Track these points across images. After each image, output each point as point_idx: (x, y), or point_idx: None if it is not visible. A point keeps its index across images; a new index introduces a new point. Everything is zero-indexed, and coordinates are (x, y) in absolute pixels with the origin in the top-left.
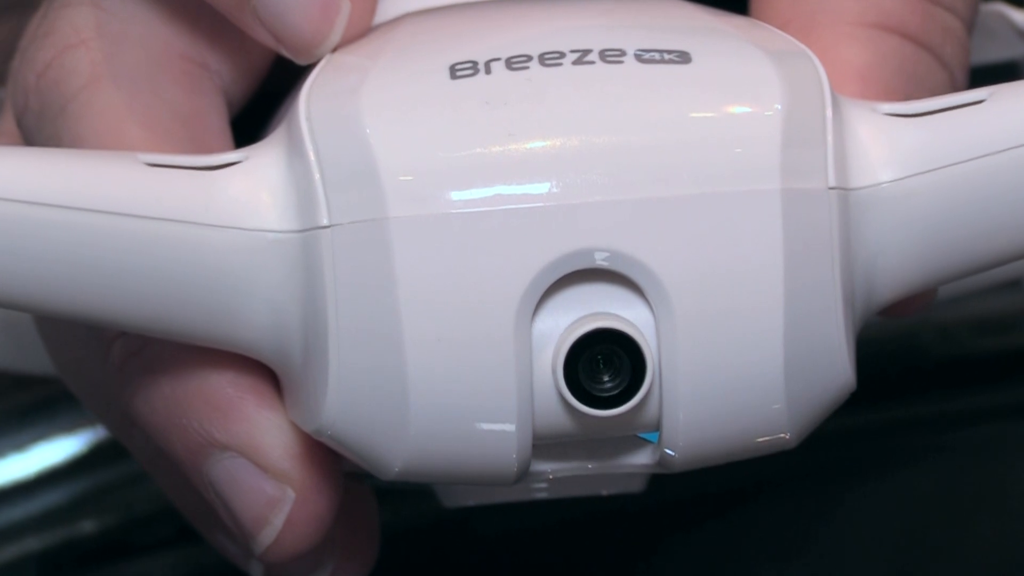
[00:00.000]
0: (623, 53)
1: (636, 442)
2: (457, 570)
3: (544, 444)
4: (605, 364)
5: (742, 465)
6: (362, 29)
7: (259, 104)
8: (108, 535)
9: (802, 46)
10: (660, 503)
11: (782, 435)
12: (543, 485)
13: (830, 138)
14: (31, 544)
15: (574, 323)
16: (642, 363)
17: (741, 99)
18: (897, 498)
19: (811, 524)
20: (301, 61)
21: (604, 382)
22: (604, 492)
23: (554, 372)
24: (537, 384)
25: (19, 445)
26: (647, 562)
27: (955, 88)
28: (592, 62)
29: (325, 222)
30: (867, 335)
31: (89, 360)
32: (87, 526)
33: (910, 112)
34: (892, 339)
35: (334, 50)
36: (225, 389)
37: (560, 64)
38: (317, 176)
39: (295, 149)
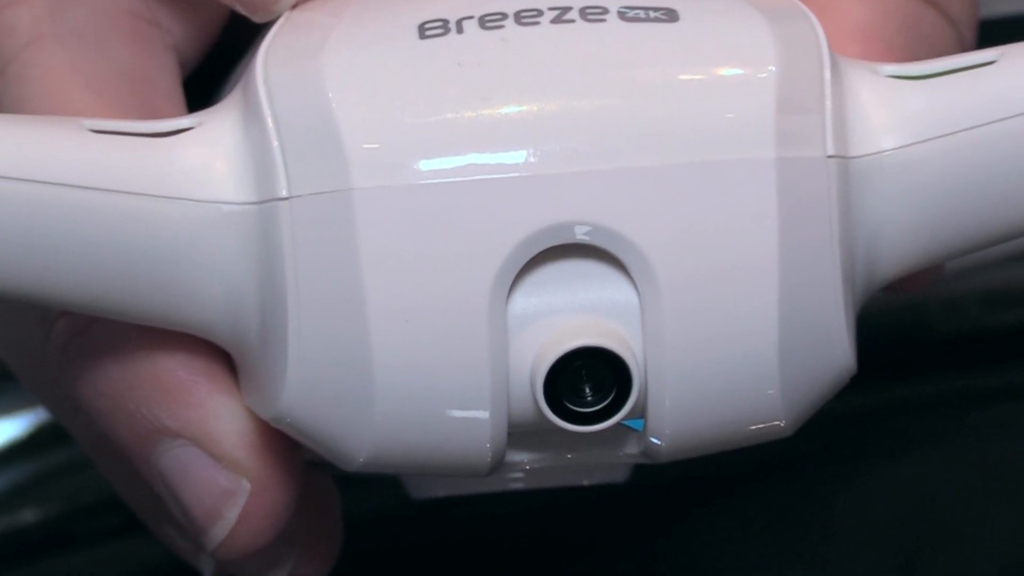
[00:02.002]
0: (605, 11)
1: (619, 430)
2: (429, 562)
3: (520, 432)
4: (588, 376)
5: (739, 449)
6: None
7: (214, 64)
8: (50, 525)
9: (798, 3)
10: (652, 486)
11: (777, 423)
12: (519, 475)
13: (828, 102)
14: None
15: (556, 335)
16: (628, 379)
17: (732, 60)
18: (903, 482)
19: (813, 509)
20: (258, 19)
21: (586, 396)
22: (584, 482)
23: (532, 386)
24: (513, 369)
25: None
26: (646, 549)
27: (963, 47)
28: (572, 20)
29: (284, 193)
30: (868, 310)
31: (30, 338)
32: (28, 515)
33: (915, 74)
34: (895, 314)
35: (294, 7)
36: (176, 372)
37: (537, 23)
38: (275, 144)
39: (252, 114)
